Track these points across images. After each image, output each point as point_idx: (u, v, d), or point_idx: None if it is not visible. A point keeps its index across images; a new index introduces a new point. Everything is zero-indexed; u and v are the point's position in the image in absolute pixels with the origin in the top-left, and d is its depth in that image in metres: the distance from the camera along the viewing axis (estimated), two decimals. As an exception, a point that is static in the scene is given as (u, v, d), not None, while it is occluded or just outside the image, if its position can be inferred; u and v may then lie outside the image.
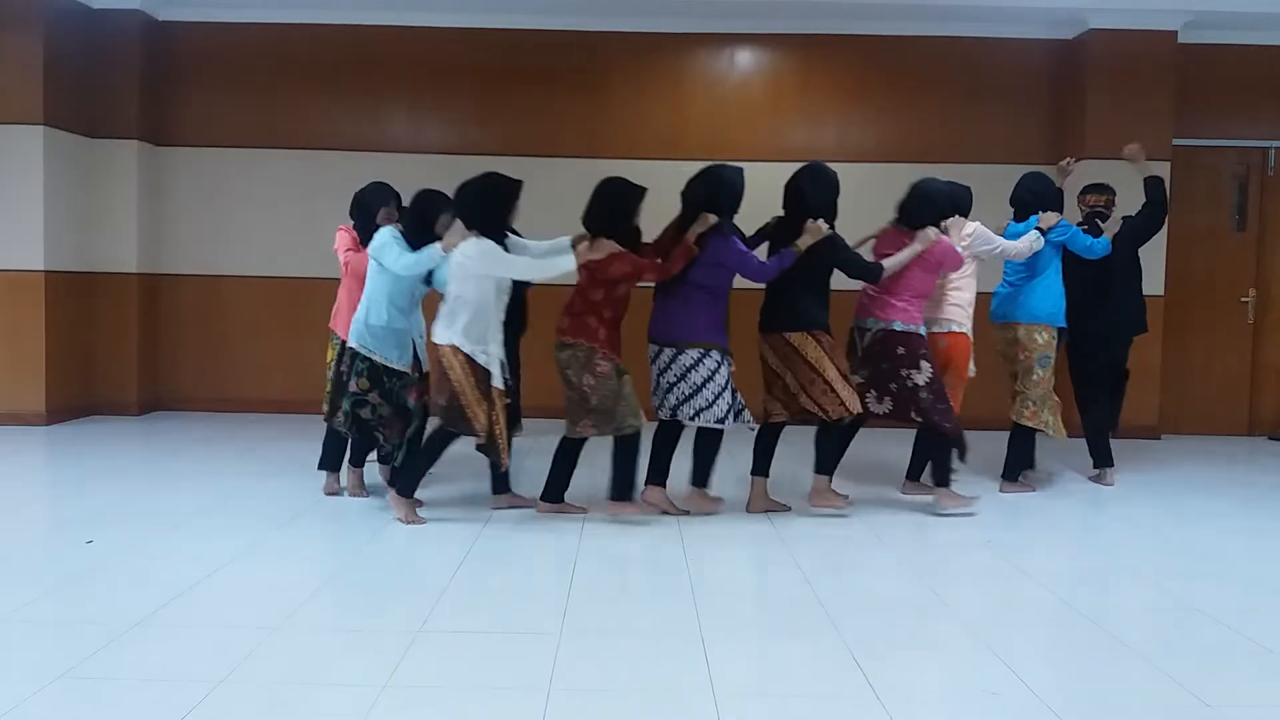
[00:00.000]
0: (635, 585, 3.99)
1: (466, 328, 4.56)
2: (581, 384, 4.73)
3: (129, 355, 7.91)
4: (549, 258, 4.66)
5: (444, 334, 4.61)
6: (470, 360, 4.56)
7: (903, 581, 4.04)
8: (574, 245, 4.72)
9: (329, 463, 5.26)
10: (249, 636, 3.20)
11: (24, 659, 3.05)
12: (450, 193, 4.74)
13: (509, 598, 3.79)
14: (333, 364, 5.11)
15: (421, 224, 4.74)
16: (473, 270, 4.54)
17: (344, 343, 4.97)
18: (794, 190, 5.05)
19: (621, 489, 4.80)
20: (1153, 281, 7.78)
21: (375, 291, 4.77)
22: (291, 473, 5.80)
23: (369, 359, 4.78)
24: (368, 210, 5.09)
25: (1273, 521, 5.26)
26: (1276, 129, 8.11)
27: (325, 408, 5.06)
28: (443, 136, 8.10)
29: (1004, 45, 8.07)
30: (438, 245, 4.61)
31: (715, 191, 4.83)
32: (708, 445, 4.97)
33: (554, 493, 4.94)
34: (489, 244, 4.54)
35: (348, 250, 5.16)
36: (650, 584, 3.97)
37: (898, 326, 5.07)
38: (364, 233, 5.06)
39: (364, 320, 4.78)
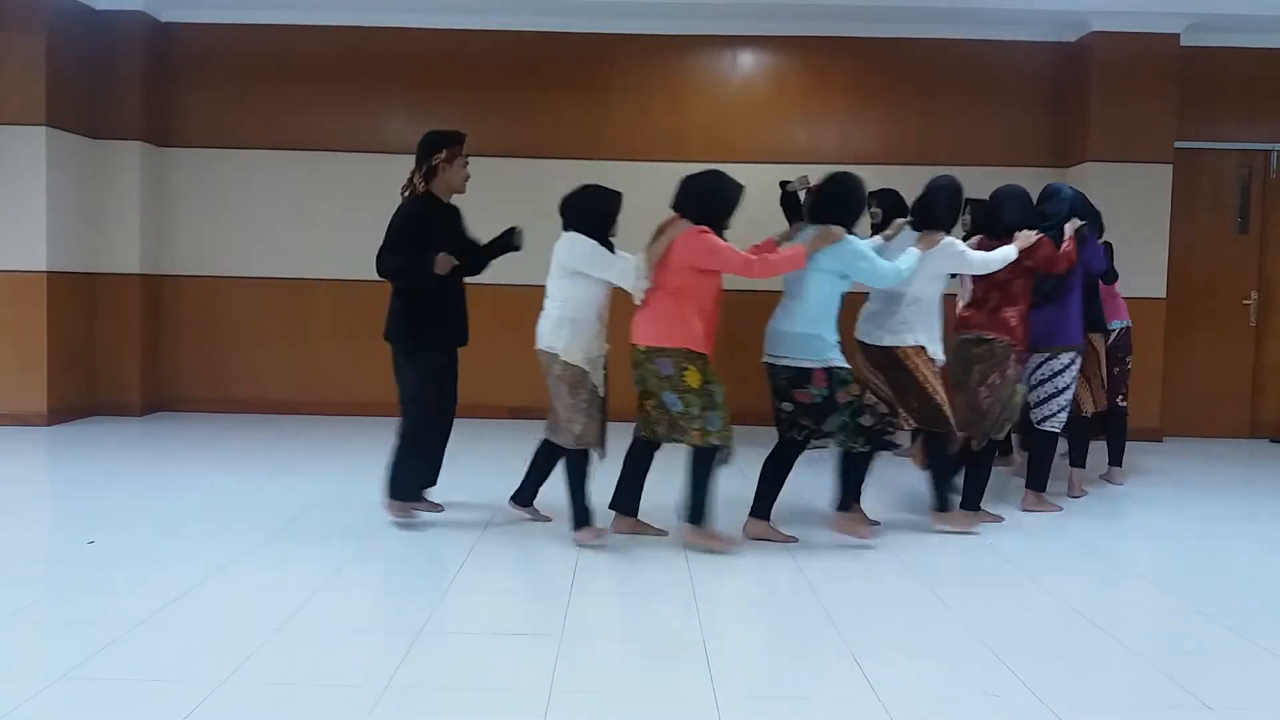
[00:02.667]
0: (637, 587, 3.98)
1: (929, 327, 4.69)
2: (983, 383, 4.83)
3: (131, 356, 7.92)
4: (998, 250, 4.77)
5: (901, 335, 4.68)
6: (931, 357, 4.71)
7: (903, 583, 4.04)
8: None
9: (622, 503, 4.61)
10: (250, 637, 3.20)
11: (26, 660, 3.06)
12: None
13: (510, 599, 3.79)
14: (709, 385, 4.31)
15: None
16: (941, 269, 4.69)
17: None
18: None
19: (943, 501, 4.84)
20: (1154, 283, 7.81)
21: (827, 304, 4.39)
22: (293, 474, 5.81)
23: (842, 366, 4.39)
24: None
25: (1274, 524, 5.26)
26: (1279, 131, 8.12)
27: (720, 436, 4.31)
28: (445, 138, 8.10)
29: (1006, 48, 8.08)
30: (916, 248, 4.59)
31: (1075, 205, 5.18)
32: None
33: (973, 501, 4.96)
34: (959, 242, 4.72)
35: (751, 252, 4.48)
36: (652, 586, 3.97)
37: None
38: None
39: (824, 338, 4.34)
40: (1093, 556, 4.66)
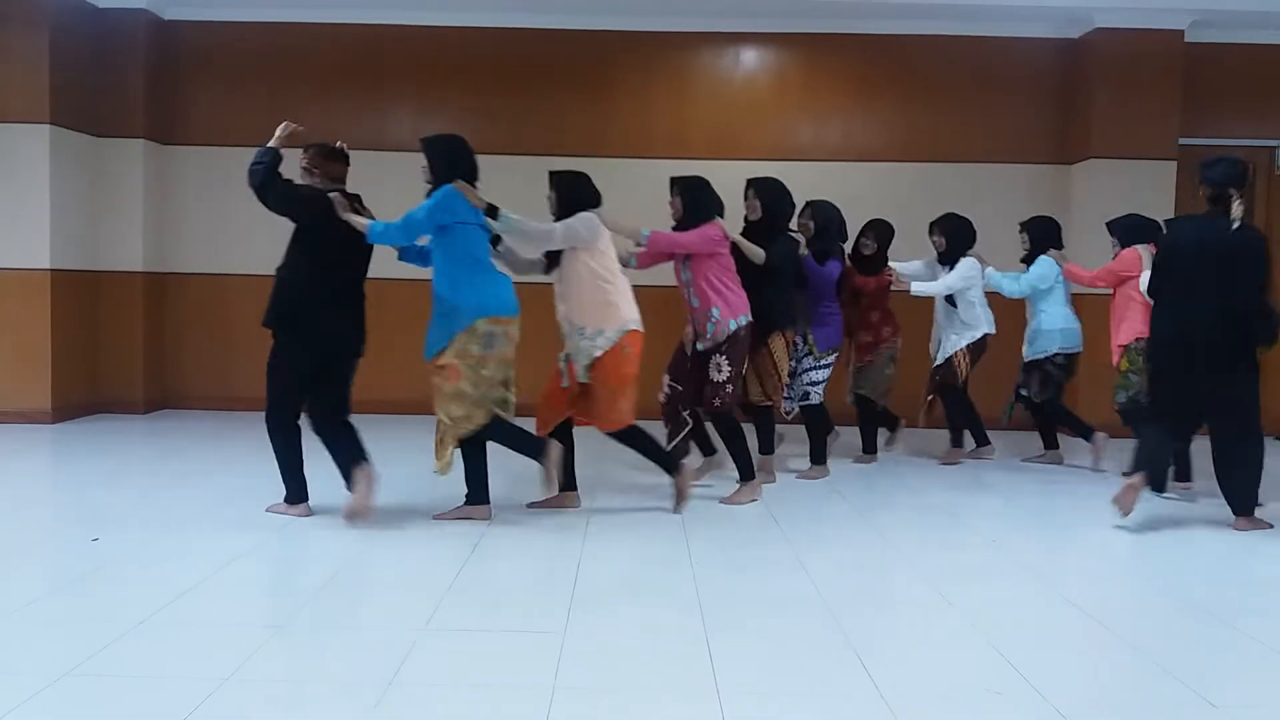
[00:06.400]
0: (639, 583, 3.98)
1: None
2: None
3: (134, 353, 7.94)
4: None
5: None
6: None
7: (907, 579, 4.04)
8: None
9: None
10: (254, 635, 3.21)
11: (29, 656, 3.05)
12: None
13: (513, 596, 3.79)
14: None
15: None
16: None
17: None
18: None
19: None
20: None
21: None
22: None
23: None
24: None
25: (1277, 521, 5.24)
26: (1283, 128, 8.11)
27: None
28: (448, 135, 8.09)
29: (1010, 44, 8.07)
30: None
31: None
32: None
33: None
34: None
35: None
36: (654, 582, 3.97)
37: None
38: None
39: None
40: (1096, 553, 4.66)
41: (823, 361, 5.83)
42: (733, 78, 8.21)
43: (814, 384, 5.83)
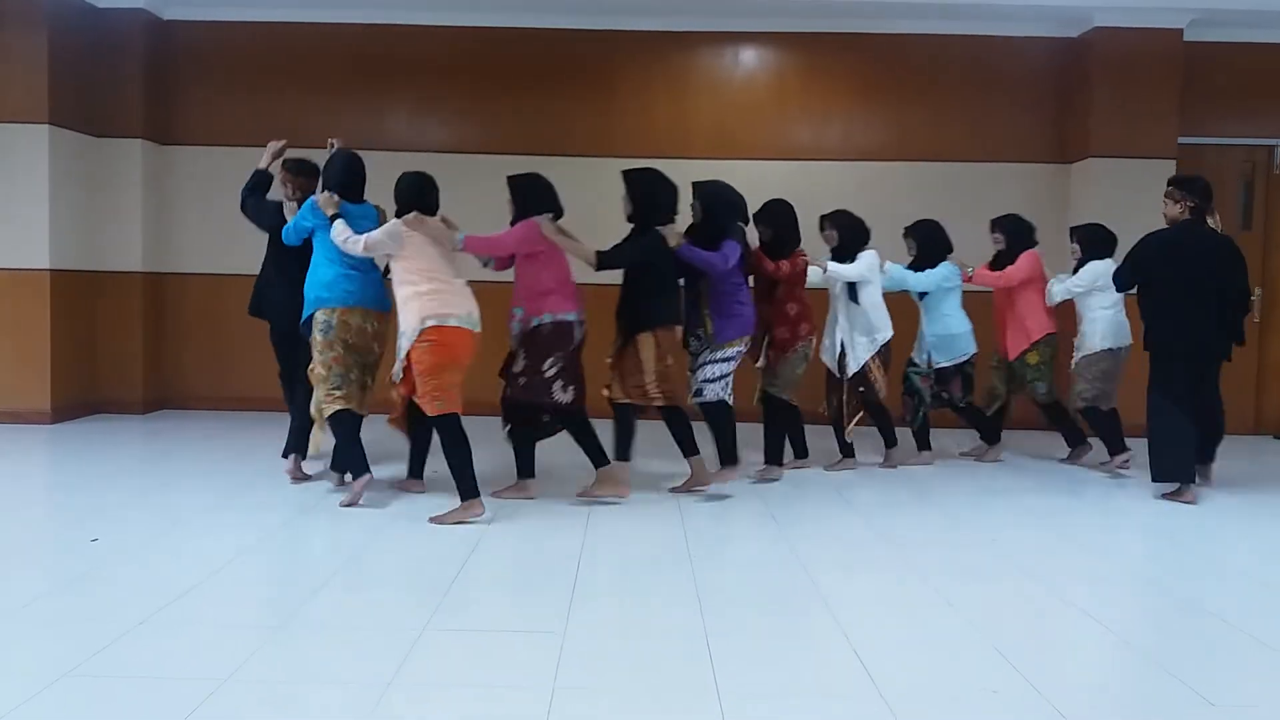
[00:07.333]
0: (639, 584, 3.98)
1: None
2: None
3: (134, 354, 7.93)
4: None
5: None
6: None
7: (906, 580, 4.04)
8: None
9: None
10: (253, 635, 3.21)
11: (28, 657, 3.06)
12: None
13: (512, 595, 3.79)
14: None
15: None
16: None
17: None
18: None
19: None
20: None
21: None
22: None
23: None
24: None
25: (1276, 519, 5.25)
26: (1282, 127, 8.11)
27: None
28: (447, 135, 8.10)
29: (1009, 43, 8.06)
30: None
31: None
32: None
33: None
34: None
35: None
36: (654, 582, 3.97)
37: None
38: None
39: None
40: (1094, 553, 4.66)
41: (720, 355, 5.35)
42: (734, 77, 8.20)
43: (709, 380, 5.35)
